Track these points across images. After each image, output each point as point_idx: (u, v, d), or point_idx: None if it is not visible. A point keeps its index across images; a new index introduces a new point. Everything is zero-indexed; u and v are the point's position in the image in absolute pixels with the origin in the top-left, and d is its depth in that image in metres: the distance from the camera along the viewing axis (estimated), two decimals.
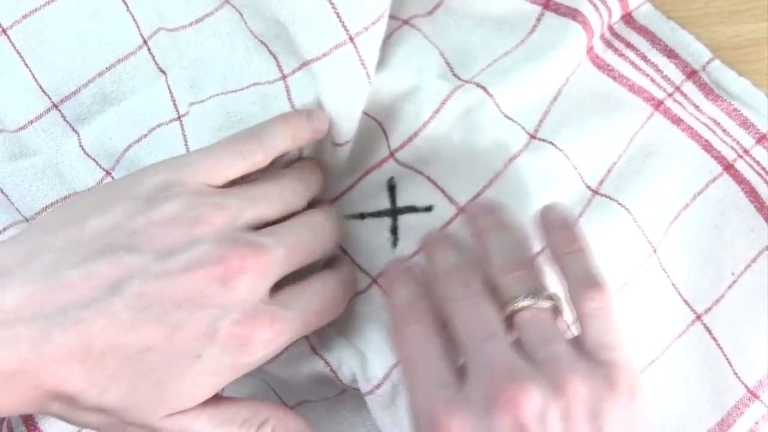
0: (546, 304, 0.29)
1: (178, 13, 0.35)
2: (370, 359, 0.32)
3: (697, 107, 0.34)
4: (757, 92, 0.35)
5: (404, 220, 0.36)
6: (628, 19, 0.37)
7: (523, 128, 0.35)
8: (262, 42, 0.33)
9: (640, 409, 0.27)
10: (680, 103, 0.35)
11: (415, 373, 0.29)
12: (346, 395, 0.34)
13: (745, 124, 0.34)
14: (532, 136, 0.35)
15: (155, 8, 0.35)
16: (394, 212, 0.36)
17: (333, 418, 0.34)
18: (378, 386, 0.32)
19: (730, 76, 0.35)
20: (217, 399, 0.28)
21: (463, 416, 0.26)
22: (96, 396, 0.26)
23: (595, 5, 0.35)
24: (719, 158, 0.34)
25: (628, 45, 0.36)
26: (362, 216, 0.36)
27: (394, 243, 0.36)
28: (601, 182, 0.33)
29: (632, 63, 0.36)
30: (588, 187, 0.34)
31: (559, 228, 0.31)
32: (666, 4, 0.36)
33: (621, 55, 0.36)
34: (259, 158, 0.29)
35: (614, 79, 0.36)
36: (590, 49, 0.36)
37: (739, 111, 0.34)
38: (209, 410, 0.28)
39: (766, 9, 0.37)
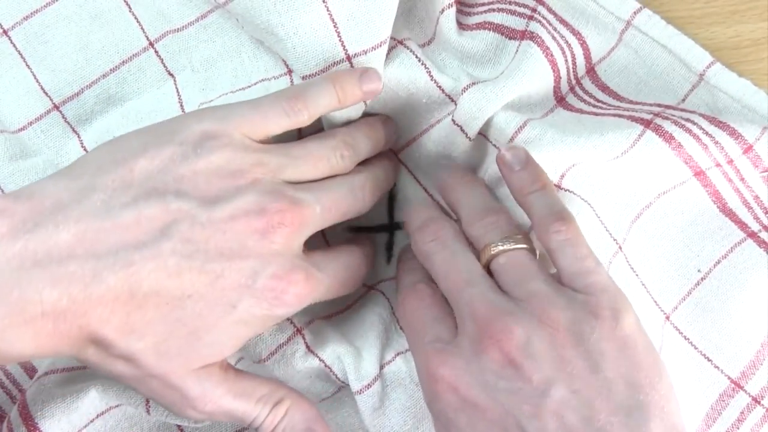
0: (520, 245, 0.30)
1: (182, 11, 0.35)
2: (364, 357, 0.32)
3: (689, 119, 0.34)
4: (759, 92, 0.35)
5: (400, 234, 0.36)
6: (593, 75, 0.37)
7: (494, 145, 0.35)
8: (261, 41, 0.33)
9: (627, 329, 0.27)
10: (671, 118, 0.34)
11: (414, 338, 0.30)
12: (345, 395, 0.34)
13: (734, 134, 0.34)
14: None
15: (158, 9, 0.35)
16: (392, 227, 0.35)
17: (332, 419, 0.34)
18: (369, 386, 0.32)
19: (731, 78, 0.35)
20: (237, 372, 0.29)
21: (453, 361, 0.27)
22: (132, 342, 0.26)
23: (556, 40, 0.35)
24: (693, 166, 0.34)
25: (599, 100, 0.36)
26: (358, 230, 0.36)
27: (388, 259, 0.36)
28: (562, 176, 0.33)
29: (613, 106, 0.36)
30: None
31: (520, 169, 0.31)
32: (666, 5, 0.36)
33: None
34: (304, 117, 0.30)
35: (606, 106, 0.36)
36: (561, 99, 0.36)
37: (726, 123, 0.34)
38: (230, 381, 0.28)
39: (766, 9, 0.37)
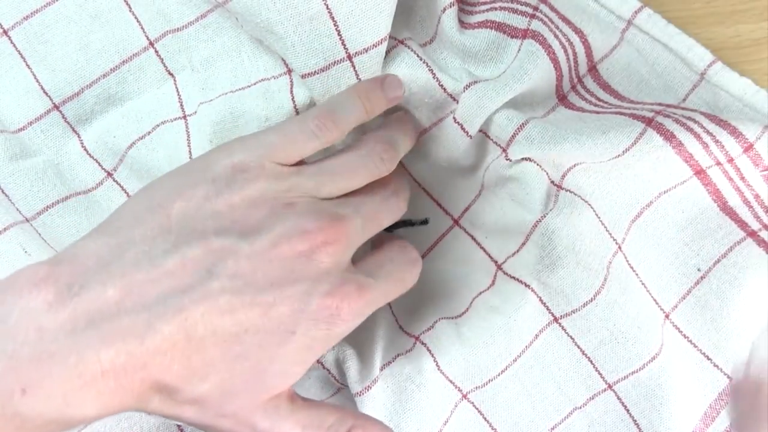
0: None
1: (182, 10, 0.35)
2: (364, 358, 0.32)
3: (690, 118, 0.34)
4: (760, 90, 0.35)
5: (397, 234, 0.36)
6: (595, 74, 0.37)
7: (495, 143, 0.35)
8: (260, 40, 0.33)
9: None
10: (673, 117, 0.34)
11: None
12: (344, 397, 0.34)
13: (735, 132, 0.34)
14: (504, 150, 0.34)
15: (158, 8, 0.35)
16: (389, 227, 0.35)
17: None
18: (369, 388, 0.32)
19: (732, 77, 0.35)
20: (304, 401, 0.29)
21: None
22: (197, 384, 0.26)
23: (558, 38, 0.35)
24: (693, 164, 0.34)
25: (599, 100, 0.36)
26: None
27: None
28: (563, 176, 0.33)
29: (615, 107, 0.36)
30: (552, 182, 0.34)
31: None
32: (666, 5, 0.36)
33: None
34: (334, 135, 0.30)
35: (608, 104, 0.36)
36: (563, 97, 0.36)
37: (727, 122, 0.34)
38: (297, 412, 0.28)
39: (766, 9, 0.37)
